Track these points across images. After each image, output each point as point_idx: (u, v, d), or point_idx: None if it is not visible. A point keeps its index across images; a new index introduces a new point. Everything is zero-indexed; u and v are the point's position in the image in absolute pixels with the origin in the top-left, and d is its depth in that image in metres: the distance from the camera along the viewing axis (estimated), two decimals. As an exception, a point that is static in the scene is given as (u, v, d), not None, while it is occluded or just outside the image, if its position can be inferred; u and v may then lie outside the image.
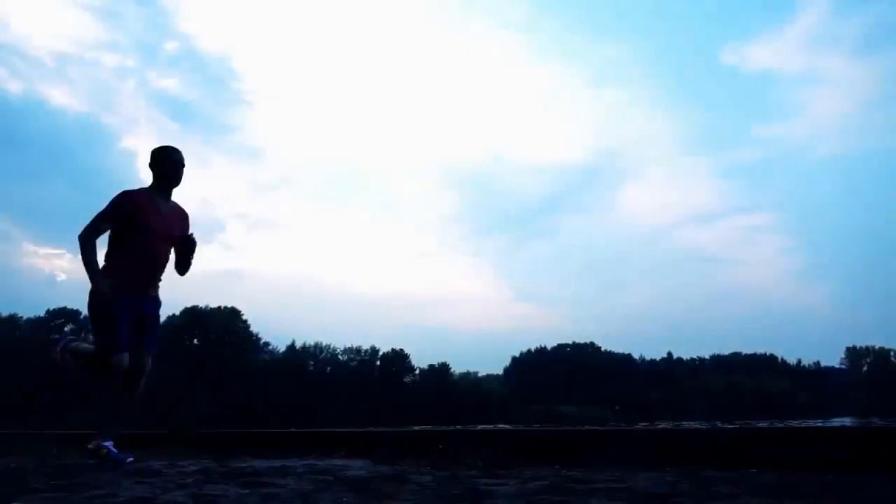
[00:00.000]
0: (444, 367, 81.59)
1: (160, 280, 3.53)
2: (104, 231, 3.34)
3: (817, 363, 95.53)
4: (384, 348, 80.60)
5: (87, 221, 3.30)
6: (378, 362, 79.39)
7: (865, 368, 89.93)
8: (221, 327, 64.60)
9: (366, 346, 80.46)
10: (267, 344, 69.20)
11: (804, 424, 2.38)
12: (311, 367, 75.85)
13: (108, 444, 3.30)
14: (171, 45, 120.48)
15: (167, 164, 3.47)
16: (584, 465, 2.75)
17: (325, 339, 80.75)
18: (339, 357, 79.23)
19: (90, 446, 3.31)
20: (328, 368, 76.63)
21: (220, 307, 67.32)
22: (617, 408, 75.28)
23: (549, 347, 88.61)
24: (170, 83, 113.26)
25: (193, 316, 64.18)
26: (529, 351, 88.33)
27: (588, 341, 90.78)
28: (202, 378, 57.50)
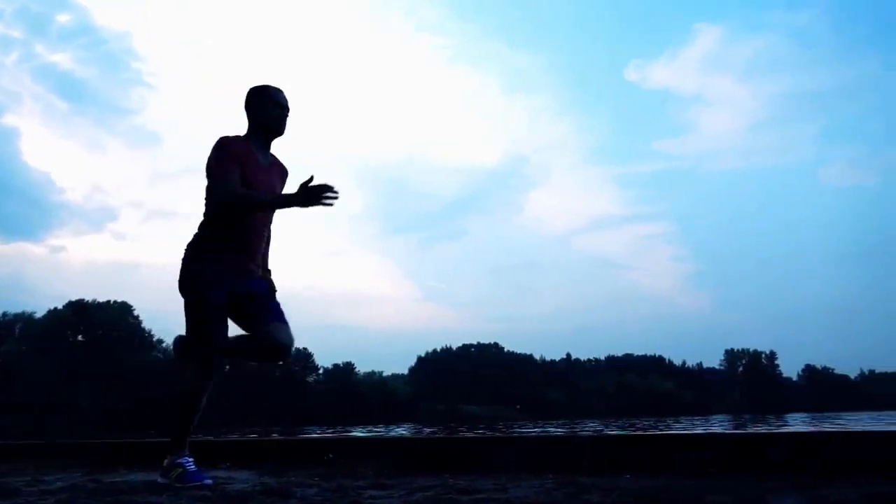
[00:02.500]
0: (348, 367, 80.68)
1: (266, 257, 2.86)
2: (238, 178, 2.57)
3: (700, 364, 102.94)
4: (287, 347, 78.64)
5: (212, 183, 2.61)
6: (280, 361, 77.34)
7: (741, 369, 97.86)
8: (109, 323, 60.42)
9: (267, 344, 78.03)
10: (161, 341, 65.43)
11: (679, 431, 2.55)
12: (209, 367, 72.60)
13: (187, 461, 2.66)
14: (63, 18, 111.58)
15: (271, 107, 2.75)
16: (474, 473, 2.80)
17: (225, 336, 77.38)
18: (240, 356, 76.44)
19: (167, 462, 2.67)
20: (227, 367, 73.67)
21: (108, 301, 62.98)
22: (518, 407, 77.49)
23: (454, 347, 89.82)
24: (60, 58, 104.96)
25: (79, 310, 59.63)
26: (435, 351, 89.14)
27: (492, 341, 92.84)
28: (86, 378, 53.54)
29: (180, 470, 2.59)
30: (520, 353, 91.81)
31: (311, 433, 18.15)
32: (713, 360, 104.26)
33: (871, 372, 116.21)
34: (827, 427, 12.31)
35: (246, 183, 2.60)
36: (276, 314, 2.69)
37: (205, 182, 2.66)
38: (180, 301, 2.57)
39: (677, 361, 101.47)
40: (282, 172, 2.87)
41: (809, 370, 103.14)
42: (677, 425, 16.20)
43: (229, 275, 2.62)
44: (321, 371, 79.81)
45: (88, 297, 61.57)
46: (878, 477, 2.10)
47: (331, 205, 2.46)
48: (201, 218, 2.71)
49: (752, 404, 79.37)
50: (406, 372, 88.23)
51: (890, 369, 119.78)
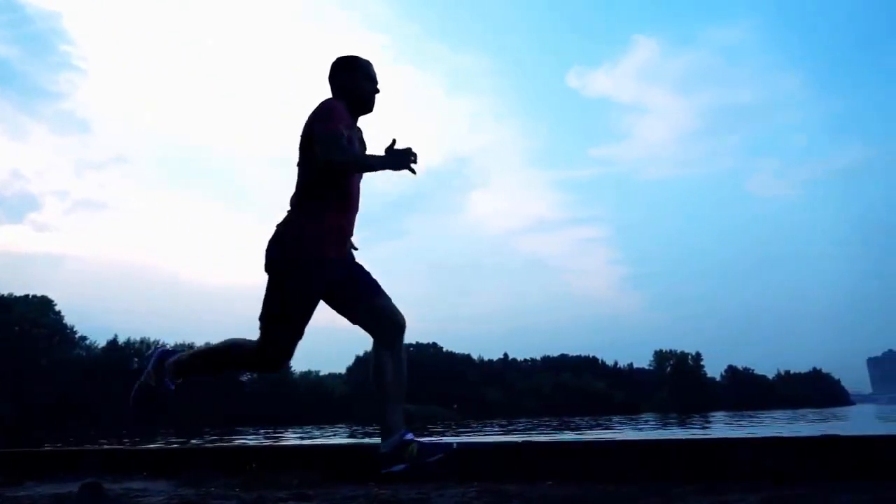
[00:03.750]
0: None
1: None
2: (347, 135, 2.25)
3: (630, 365, 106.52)
4: (221, 345, 76.48)
5: (318, 137, 2.19)
6: (213, 360, 75.04)
7: (669, 370, 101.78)
8: (28, 319, 57.02)
9: (200, 342, 75.70)
10: (84, 338, 62.27)
11: (596, 437, 2.60)
12: (136, 366, 69.68)
13: (410, 435, 2.23)
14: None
15: (364, 80, 2.41)
16: (399, 481, 2.79)
17: (154, 334, 74.56)
18: (169, 354, 73.76)
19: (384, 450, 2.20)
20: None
21: (27, 295, 59.46)
22: (455, 406, 77.90)
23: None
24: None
25: (-8, 305, 55.97)
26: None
27: (431, 341, 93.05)
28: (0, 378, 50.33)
29: (414, 445, 2.18)
30: (458, 353, 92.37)
31: (244, 434, 17.71)
32: (643, 360, 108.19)
33: (787, 372, 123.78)
34: (743, 426, 12.96)
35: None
36: (382, 291, 2.36)
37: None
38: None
39: (609, 362, 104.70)
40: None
41: (732, 371, 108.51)
42: (595, 428, 16.75)
43: (339, 251, 2.29)
44: (256, 370, 77.74)
45: (4, 292, 57.97)
46: (776, 481, 2.24)
47: (414, 172, 2.16)
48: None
49: (678, 404, 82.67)
50: (344, 371, 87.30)
51: (803, 370, 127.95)
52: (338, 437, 13.27)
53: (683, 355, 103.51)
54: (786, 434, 8.15)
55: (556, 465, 2.72)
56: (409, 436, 2.18)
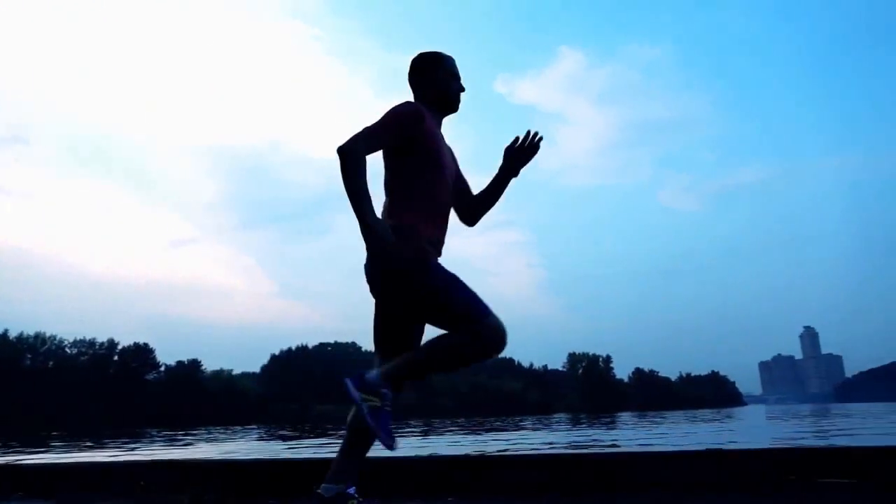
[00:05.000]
0: (194, 364, 75.84)
1: None
2: (378, 148, 2.08)
3: (545, 366, 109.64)
4: (124, 341, 72.51)
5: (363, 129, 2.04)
6: (116, 357, 70.83)
7: (581, 371, 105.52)
8: None
9: (102, 338, 71.46)
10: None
11: (500, 453, 2.63)
12: (28, 362, 64.77)
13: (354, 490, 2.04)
14: None
15: (451, 78, 2.26)
16: (300, 497, 2.74)
17: (50, 328, 69.94)
18: (67, 350, 69.08)
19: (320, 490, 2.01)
20: (50, 363, 66.13)
21: None
22: (372, 407, 77.29)
23: (310, 346, 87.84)
24: None
25: None
26: (290, 349, 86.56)
27: (350, 341, 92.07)
28: None
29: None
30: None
31: (145, 438, 16.82)
32: (558, 362, 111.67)
33: (688, 375, 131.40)
34: (645, 427, 13.62)
35: (436, 156, 2.14)
36: None
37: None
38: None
39: (526, 363, 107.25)
40: (454, 160, 2.35)
41: (638, 373, 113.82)
42: (508, 430, 17.08)
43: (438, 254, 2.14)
44: (162, 368, 74.30)
45: None
46: (678, 492, 2.35)
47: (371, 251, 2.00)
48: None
49: (589, 404, 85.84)
50: (258, 370, 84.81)
51: (703, 372, 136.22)
52: (247, 441, 12.88)
53: (595, 357, 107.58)
54: (676, 438, 8.62)
55: (456, 479, 2.72)
56: (353, 490, 2.01)
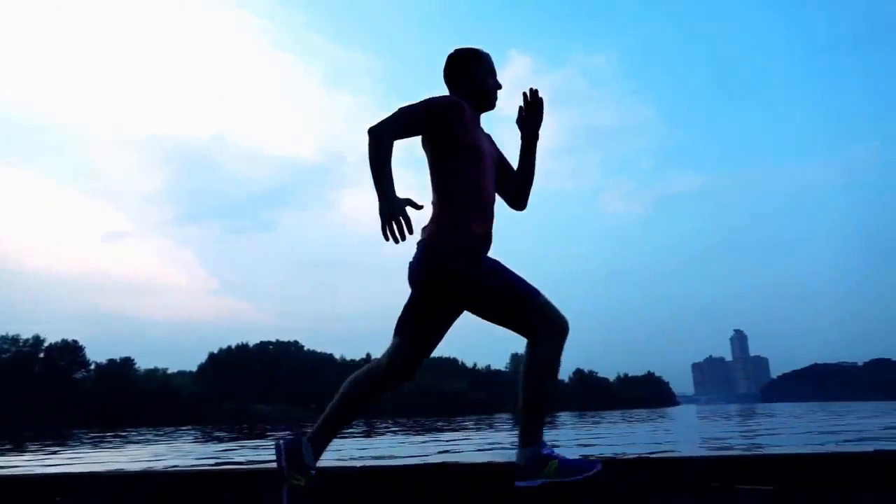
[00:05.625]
0: (127, 362, 72.87)
1: None
2: (408, 133, 2.05)
3: (489, 366, 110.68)
4: (52, 338, 68.92)
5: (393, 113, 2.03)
6: (42, 355, 67.26)
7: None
8: None
9: (27, 334, 67.80)
10: None
11: (432, 461, 2.55)
12: (-57, 360, 60.74)
13: (550, 450, 2.04)
14: None
15: (488, 75, 2.25)
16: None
17: (-32, 324, 65.64)
18: (-12, 347, 65.11)
19: (520, 462, 2.01)
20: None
21: None
22: (313, 406, 76.24)
23: (250, 344, 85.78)
24: None
25: None
26: (229, 347, 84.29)
27: (292, 339, 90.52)
28: None
29: (555, 461, 1.99)
30: (320, 353, 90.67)
31: (74, 439, 16.05)
32: (501, 362, 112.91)
33: (626, 375, 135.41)
34: (584, 426, 13.93)
35: (476, 150, 2.12)
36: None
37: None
38: None
39: (469, 363, 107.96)
40: (496, 151, 2.34)
41: (579, 373, 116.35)
42: (449, 430, 17.25)
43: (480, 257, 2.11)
44: (92, 366, 71.03)
45: None
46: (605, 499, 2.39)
47: (386, 238, 1.94)
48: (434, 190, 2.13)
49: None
50: (195, 369, 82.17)
51: (639, 373, 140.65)
52: (181, 443, 12.47)
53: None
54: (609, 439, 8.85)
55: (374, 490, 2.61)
56: (549, 451, 2.01)
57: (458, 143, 2.08)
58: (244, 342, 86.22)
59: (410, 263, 2.10)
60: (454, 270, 2.00)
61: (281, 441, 2.09)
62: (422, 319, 2.09)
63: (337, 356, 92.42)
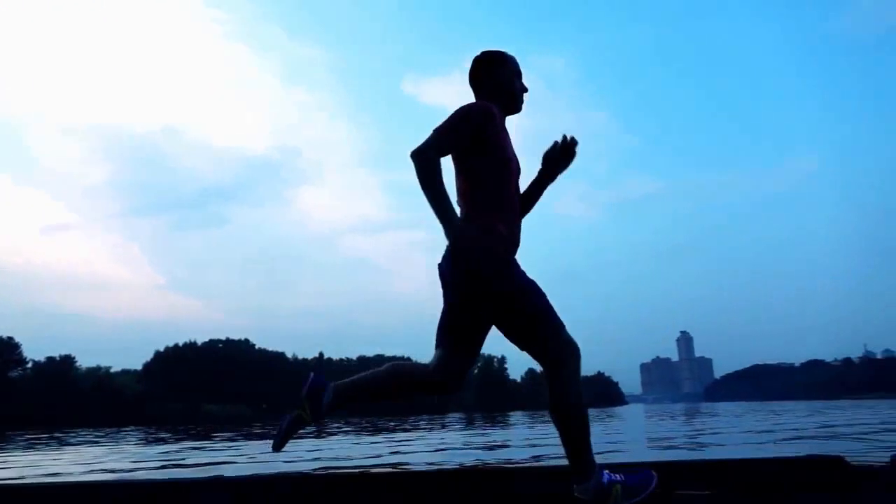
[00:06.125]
0: (67, 360, 70.02)
1: None
2: (451, 150, 2.06)
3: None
4: (-16, 335, 65.54)
5: (427, 137, 2.02)
6: (-27, 352, 64.02)
7: (476, 371, 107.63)
8: None
9: (-40, 331, 64.32)
10: None
11: (369, 470, 2.47)
12: None
13: (609, 476, 1.97)
14: None
15: (515, 78, 2.23)
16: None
17: None
18: (-87, 344, 61.59)
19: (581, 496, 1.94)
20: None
21: None
22: (264, 406, 74.87)
23: (199, 342, 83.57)
24: None
25: None
26: (177, 345, 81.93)
27: (243, 338, 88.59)
28: None
29: (618, 485, 1.93)
30: (271, 351, 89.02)
31: (13, 438, 15.32)
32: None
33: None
34: (533, 425, 14.10)
35: (503, 153, 2.12)
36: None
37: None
38: None
39: (423, 362, 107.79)
40: (517, 161, 2.32)
41: (531, 373, 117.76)
42: (400, 431, 17.23)
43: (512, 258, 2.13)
44: (30, 364, 67.98)
45: None
46: None
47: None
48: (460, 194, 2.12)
49: (483, 403, 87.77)
50: (140, 368, 79.55)
51: (589, 373, 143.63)
52: (123, 444, 12.06)
53: (490, 358, 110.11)
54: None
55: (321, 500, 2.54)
56: (608, 477, 1.96)
57: (489, 147, 2.08)
58: (192, 340, 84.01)
59: (440, 265, 2.09)
60: (487, 269, 1.99)
61: (312, 374, 2.14)
62: (457, 326, 2.07)
63: (289, 355, 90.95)
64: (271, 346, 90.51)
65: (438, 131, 2.02)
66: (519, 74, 2.25)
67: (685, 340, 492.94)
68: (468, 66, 2.30)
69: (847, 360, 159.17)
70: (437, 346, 2.11)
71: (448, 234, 1.97)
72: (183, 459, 7.12)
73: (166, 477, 4.80)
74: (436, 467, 5.02)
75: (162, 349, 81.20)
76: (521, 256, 2.16)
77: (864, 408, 24.31)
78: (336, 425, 22.87)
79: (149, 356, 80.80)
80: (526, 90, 2.26)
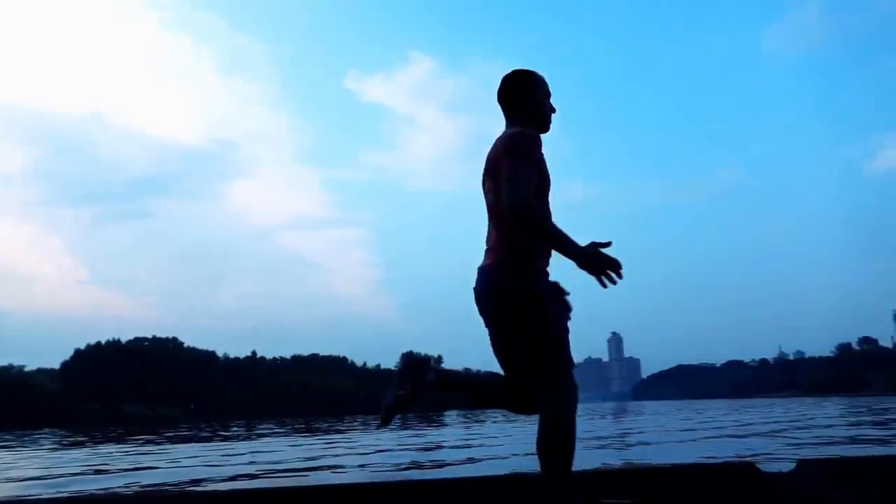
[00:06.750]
0: (-25, 359, 65.37)
1: None
2: (536, 185, 2.01)
3: (378, 366, 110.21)
4: None
5: (506, 182, 1.94)
6: None
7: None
8: None
9: None
10: None
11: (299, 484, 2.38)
12: None
13: None
14: None
15: (546, 97, 2.20)
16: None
17: None
18: None
19: None
20: None
21: None
22: (192, 407, 72.32)
23: (123, 340, 79.90)
24: None
25: None
26: (99, 343, 78.01)
27: (171, 336, 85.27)
28: None
29: None
30: (201, 350, 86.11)
31: None
32: (391, 361, 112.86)
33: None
34: (467, 426, 14.25)
35: (547, 183, 2.10)
36: None
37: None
38: None
39: (359, 362, 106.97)
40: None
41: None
42: (333, 432, 17.14)
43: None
44: (-69, 363, 63.16)
45: None
46: None
47: (605, 286, 1.97)
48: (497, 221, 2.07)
49: (418, 403, 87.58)
50: (57, 367, 75.27)
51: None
52: (33, 449, 11.39)
53: (427, 357, 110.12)
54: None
55: None
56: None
57: (539, 174, 2.06)
58: (116, 338, 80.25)
59: (479, 291, 2.09)
60: (532, 293, 2.01)
61: (413, 352, 2.23)
62: (504, 349, 2.10)
63: (220, 354, 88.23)
64: (201, 345, 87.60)
65: (519, 173, 1.96)
66: (549, 94, 2.26)
67: (616, 341, 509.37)
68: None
69: (763, 361, 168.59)
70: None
71: (583, 264, 1.94)
72: (99, 465, 6.79)
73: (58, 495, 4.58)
74: (338, 482, 5.01)
75: (83, 347, 77.15)
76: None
77: (778, 406, 25.84)
78: (267, 427, 22.36)
79: (68, 354, 76.61)
80: (554, 111, 2.27)
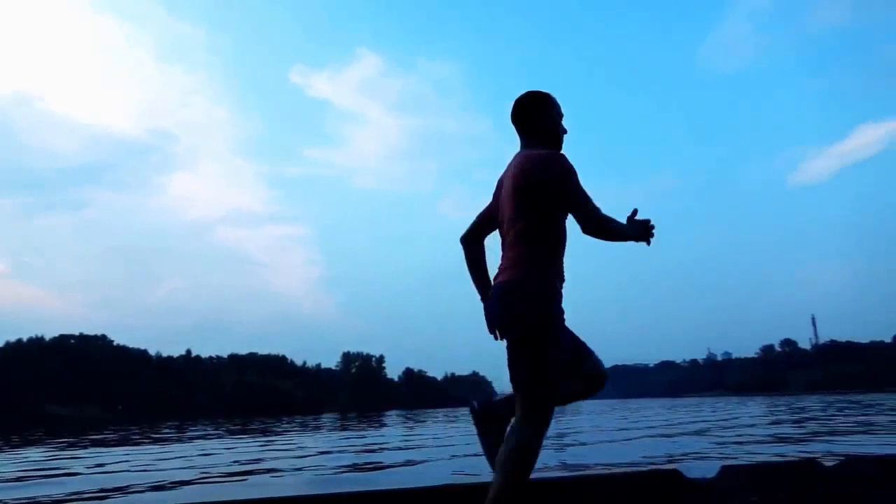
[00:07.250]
0: None
1: None
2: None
3: (319, 365, 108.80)
4: None
5: (580, 209, 2.12)
6: None
7: (354, 371, 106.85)
8: None
9: None
10: None
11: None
12: None
13: None
14: None
15: (559, 118, 2.31)
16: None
17: None
18: None
19: None
20: None
21: None
22: (120, 408, 69.35)
23: (47, 338, 75.89)
24: None
25: None
26: (20, 341, 73.79)
27: (99, 333, 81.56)
28: None
29: None
30: (132, 349, 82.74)
31: None
32: (331, 361, 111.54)
33: (453, 375, 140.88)
34: (407, 426, 14.24)
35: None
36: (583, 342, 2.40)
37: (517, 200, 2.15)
38: None
39: (298, 362, 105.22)
40: None
41: (408, 372, 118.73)
42: (271, 433, 16.76)
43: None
44: None
45: None
46: None
47: (650, 243, 2.22)
48: (521, 242, 2.15)
49: (359, 403, 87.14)
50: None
51: (465, 373, 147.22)
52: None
53: (368, 357, 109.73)
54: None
55: None
56: None
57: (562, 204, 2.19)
58: (39, 335, 76.07)
59: (497, 309, 2.17)
60: (552, 312, 2.12)
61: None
62: (519, 366, 2.14)
63: (152, 352, 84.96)
64: (132, 343, 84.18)
65: (579, 195, 2.11)
66: (562, 116, 2.35)
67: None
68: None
69: (693, 362, 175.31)
70: (517, 391, 2.18)
71: (635, 236, 2.20)
72: (16, 472, 6.43)
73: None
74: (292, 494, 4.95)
75: (2, 344, 72.77)
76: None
77: (706, 405, 26.97)
78: (202, 427, 21.69)
79: (-8, 349, 72.12)
80: (566, 131, 2.35)
